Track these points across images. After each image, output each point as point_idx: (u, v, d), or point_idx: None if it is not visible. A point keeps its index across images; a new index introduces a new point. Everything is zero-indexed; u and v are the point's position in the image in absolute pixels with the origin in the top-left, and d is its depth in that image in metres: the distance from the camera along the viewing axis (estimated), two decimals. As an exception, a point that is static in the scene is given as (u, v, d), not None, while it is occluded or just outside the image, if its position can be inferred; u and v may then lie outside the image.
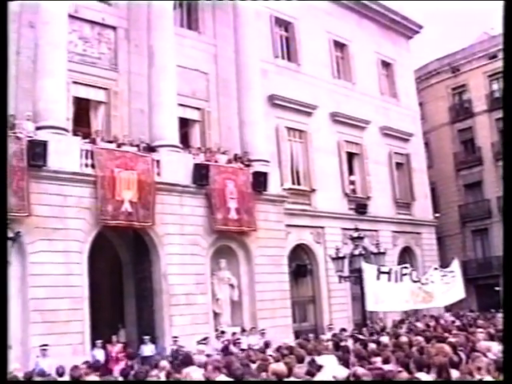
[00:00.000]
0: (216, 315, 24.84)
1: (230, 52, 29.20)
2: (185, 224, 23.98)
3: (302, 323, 30.09)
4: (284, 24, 33.91)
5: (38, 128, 21.08)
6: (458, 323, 23.52)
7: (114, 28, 26.40)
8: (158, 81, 24.86)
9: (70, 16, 23.91)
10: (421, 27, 42.89)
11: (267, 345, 19.47)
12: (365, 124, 36.26)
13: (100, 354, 20.85)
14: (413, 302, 22.22)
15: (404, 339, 15.89)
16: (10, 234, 15.11)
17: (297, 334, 25.74)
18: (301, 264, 30.98)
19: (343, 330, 25.44)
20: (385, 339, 17.36)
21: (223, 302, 25.17)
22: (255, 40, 29.27)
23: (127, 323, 24.71)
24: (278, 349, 17.15)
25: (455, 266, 23.94)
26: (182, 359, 16.34)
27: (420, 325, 24.00)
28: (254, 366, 12.56)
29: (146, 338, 21.98)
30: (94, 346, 20.88)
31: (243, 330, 24.51)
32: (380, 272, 21.27)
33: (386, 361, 11.56)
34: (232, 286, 25.45)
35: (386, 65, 40.41)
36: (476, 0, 70.00)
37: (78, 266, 20.89)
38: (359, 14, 38.58)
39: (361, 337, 18.79)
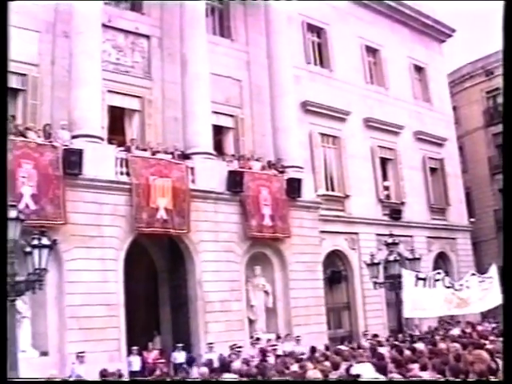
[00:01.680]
0: (251, 322, 24.87)
1: (262, 59, 29.26)
2: (219, 231, 24.04)
3: (336, 330, 29.96)
4: (316, 30, 33.91)
5: (74, 137, 21.32)
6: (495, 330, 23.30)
7: (147, 37, 26.61)
8: (192, 88, 24.98)
9: (104, 25, 24.19)
10: (453, 30, 42.60)
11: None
12: (398, 129, 36.08)
13: (136, 361, 21.01)
14: (447, 308, 22.00)
15: (440, 346, 15.78)
16: (47, 242, 15.20)
17: (332, 341, 25.68)
18: (335, 270, 30.89)
19: (375, 335, 25.40)
20: (420, 346, 17.26)
21: (258, 309, 25.17)
22: (287, 46, 29.28)
23: (162, 330, 24.82)
24: (311, 357, 17.16)
25: (493, 271, 23.68)
26: (219, 365, 16.43)
27: (456, 331, 23.83)
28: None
29: (179, 345, 22.06)
30: (130, 352, 20.99)
31: (278, 337, 24.47)
32: (418, 278, 21.13)
33: (423, 368, 11.49)
34: (267, 292, 25.44)
35: (418, 69, 40.21)
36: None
37: (113, 273, 21.05)
38: (391, 18, 38.43)
39: (397, 343, 18.73)
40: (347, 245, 31.33)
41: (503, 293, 8.31)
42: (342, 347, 19.30)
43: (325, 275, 28.47)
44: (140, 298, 25.02)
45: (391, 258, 23.93)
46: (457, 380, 9.40)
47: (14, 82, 22.43)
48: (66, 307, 19.70)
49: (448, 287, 21.53)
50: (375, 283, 24.29)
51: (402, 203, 34.89)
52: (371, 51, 36.89)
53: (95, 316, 20.02)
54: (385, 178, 35.16)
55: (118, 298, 20.97)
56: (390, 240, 24.91)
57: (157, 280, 25.62)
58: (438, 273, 22.59)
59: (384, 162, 35.29)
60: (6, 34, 9.53)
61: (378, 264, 24.20)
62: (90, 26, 22.60)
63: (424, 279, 21.27)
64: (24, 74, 22.69)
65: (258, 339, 23.53)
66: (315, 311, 26.31)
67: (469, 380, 9.37)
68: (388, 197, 34.81)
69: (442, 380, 9.61)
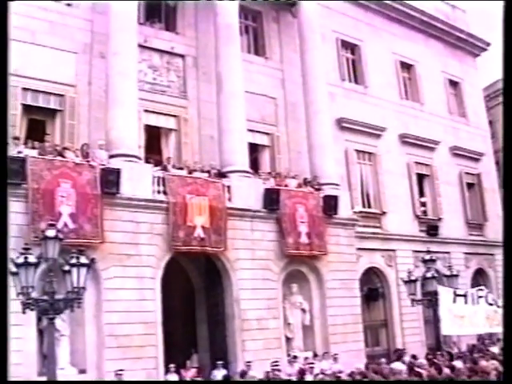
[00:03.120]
0: (288, 340, 24.70)
1: (297, 76, 29.33)
2: (256, 249, 24.01)
3: (374, 347, 29.66)
4: (350, 46, 33.95)
5: (111, 156, 21.50)
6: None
7: (182, 56, 26.86)
8: (227, 107, 25.10)
9: (140, 46, 24.46)
10: (488, 44, 42.25)
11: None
12: (434, 145, 35.88)
13: (174, 379, 20.98)
14: (489, 326, 21.74)
15: (481, 363, 15.62)
16: (85, 261, 15.31)
17: (369, 359, 25.46)
18: (372, 287, 30.66)
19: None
20: (459, 364, 17.08)
21: (295, 327, 25.02)
22: (322, 63, 29.33)
23: (200, 348, 24.75)
24: (351, 374, 17.06)
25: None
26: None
27: (496, 349, 23.51)
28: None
29: (219, 363, 22.02)
30: (167, 370, 20.95)
31: (315, 355, 24.32)
32: (456, 295, 20.93)
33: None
34: (304, 310, 25.28)
35: (453, 84, 39.99)
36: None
37: (151, 291, 21.12)
38: (425, 33, 38.40)
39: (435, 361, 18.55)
40: (384, 262, 31.10)
41: (504, 294, 8.26)
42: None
43: (362, 292, 28.28)
44: (177, 316, 25.04)
45: (429, 274, 23.76)
46: (458, 380, 9.32)
47: (51, 103, 22.86)
48: (104, 325, 19.80)
49: (491, 304, 21.29)
50: (413, 300, 24.09)
51: (439, 219, 34.61)
52: (406, 67, 36.82)
53: (133, 334, 20.11)
54: (421, 194, 34.93)
55: (156, 316, 21.02)
56: (427, 256, 24.77)
57: (194, 298, 25.64)
58: (481, 289, 22.36)
59: (420, 177, 35.08)
60: (6, 34, 9.62)
61: (415, 281, 24.01)
62: (126, 47, 22.86)
63: (464, 296, 21.07)
64: (61, 95, 23.01)
65: (295, 357, 23.37)
66: (352, 329, 26.09)
67: (469, 380, 9.30)
68: (425, 213, 34.55)
69: (443, 380, 9.52)
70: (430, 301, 22.98)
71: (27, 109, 22.22)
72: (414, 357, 23.12)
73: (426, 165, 35.39)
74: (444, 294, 21.14)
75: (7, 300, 9.22)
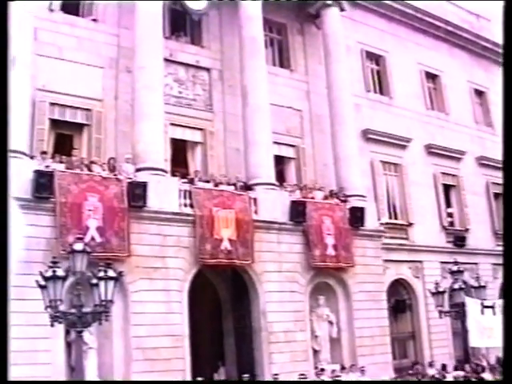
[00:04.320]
0: (315, 352, 24.58)
1: (322, 88, 29.33)
2: (283, 261, 23.95)
3: (402, 360, 29.41)
4: (375, 57, 33.87)
5: (138, 170, 21.63)
6: None
7: (207, 70, 26.96)
8: (253, 120, 25.16)
9: (165, 60, 24.57)
10: (514, 53, 41.91)
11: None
12: (460, 155, 35.63)
13: (201, 392, 20.98)
14: (518, 337, 21.51)
15: None
16: (113, 274, 15.38)
17: (397, 371, 25.32)
18: (400, 299, 30.41)
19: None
20: (487, 376, 16.92)
21: (322, 339, 24.87)
22: (347, 75, 29.33)
23: (227, 361, 24.74)
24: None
25: None
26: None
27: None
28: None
29: (245, 376, 21.95)
30: (195, 383, 21.00)
31: (343, 368, 24.18)
32: (484, 306, 20.76)
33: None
34: (331, 322, 25.13)
35: (479, 93, 39.80)
36: None
37: (178, 304, 21.17)
38: (450, 43, 38.22)
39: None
40: (411, 273, 30.87)
41: (504, 293, 8.23)
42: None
43: (389, 304, 28.11)
44: (204, 328, 25.05)
45: (456, 286, 23.60)
46: (457, 380, 9.27)
47: (79, 117, 23.06)
48: (131, 338, 19.86)
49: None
50: (440, 312, 23.92)
51: (466, 230, 34.34)
52: (431, 77, 36.68)
53: (160, 347, 20.14)
54: (448, 204, 34.66)
55: (183, 328, 21.06)
56: (454, 268, 24.57)
57: (221, 311, 25.64)
58: None
59: (447, 188, 34.84)
60: (6, 34, 9.69)
61: (443, 292, 23.86)
62: (151, 61, 23.04)
63: (492, 307, 20.89)
64: (88, 109, 23.19)
65: (322, 370, 23.26)
66: (380, 341, 25.91)
67: (469, 380, 9.24)
68: (452, 224, 34.26)
69: (445, 380, 9.45)
70: (458, 312, 22.83)
71: (55, 123, 22.46)
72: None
73: (453, 175, 35.16)
74: (472, 305, 21.00)
75: (7, 299, 9.30)
